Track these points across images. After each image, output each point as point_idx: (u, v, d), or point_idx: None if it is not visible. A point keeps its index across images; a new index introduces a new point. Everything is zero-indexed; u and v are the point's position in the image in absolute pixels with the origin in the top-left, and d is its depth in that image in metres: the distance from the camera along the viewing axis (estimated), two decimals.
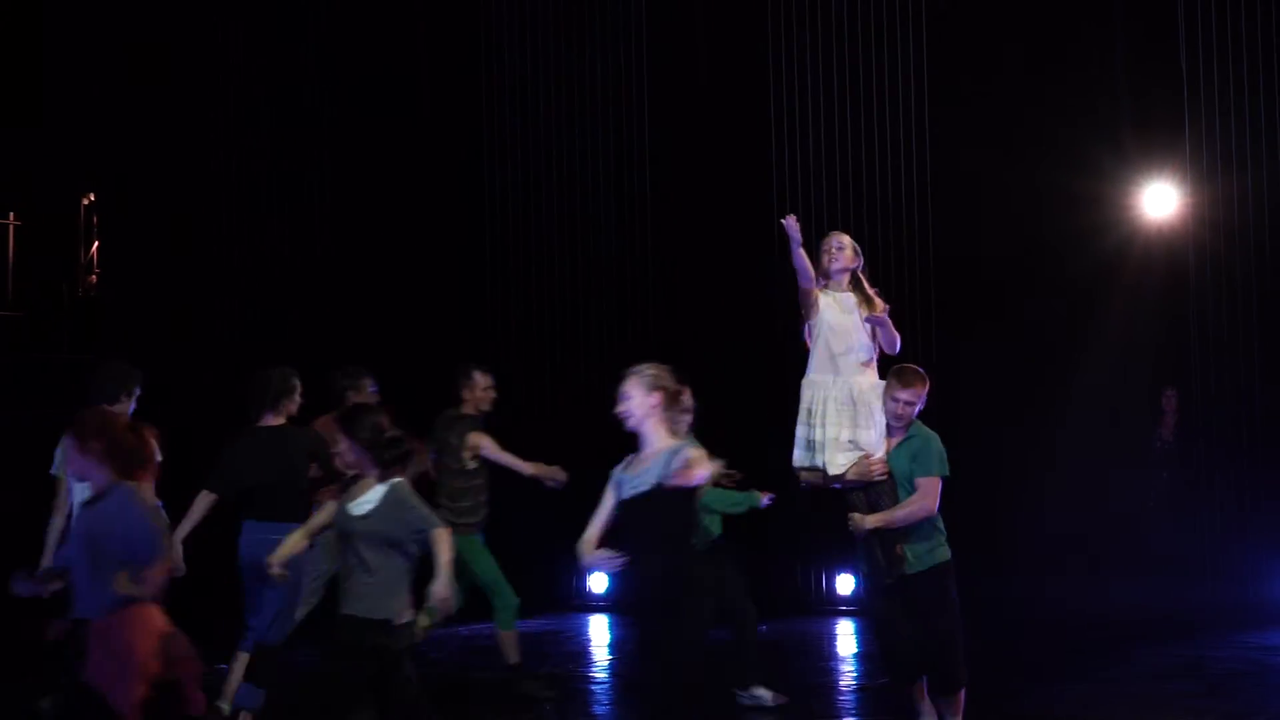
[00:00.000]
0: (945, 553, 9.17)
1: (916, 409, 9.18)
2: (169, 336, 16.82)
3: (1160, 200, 15.69)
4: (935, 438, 9.14)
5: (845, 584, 15.82)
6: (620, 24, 16.65)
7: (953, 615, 9.13)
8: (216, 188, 17.66)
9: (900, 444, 9.17)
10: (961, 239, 15.52)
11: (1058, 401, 15.51)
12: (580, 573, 15.85)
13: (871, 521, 9.02)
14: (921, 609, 9.07)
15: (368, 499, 8.05)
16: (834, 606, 15.88)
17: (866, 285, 9.43)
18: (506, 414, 12.13)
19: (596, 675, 13.23)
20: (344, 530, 8.06)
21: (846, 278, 9.45)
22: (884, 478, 9.13)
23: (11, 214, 16.76)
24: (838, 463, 9.14)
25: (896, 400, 9.12)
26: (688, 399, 9.46)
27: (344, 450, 8.24)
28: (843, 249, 9.48)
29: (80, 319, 17.56)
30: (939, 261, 15.55)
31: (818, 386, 9.26)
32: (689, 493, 7.59)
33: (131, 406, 10.13)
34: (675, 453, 7.58)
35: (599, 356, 15.73)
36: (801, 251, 9.22)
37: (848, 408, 9.18)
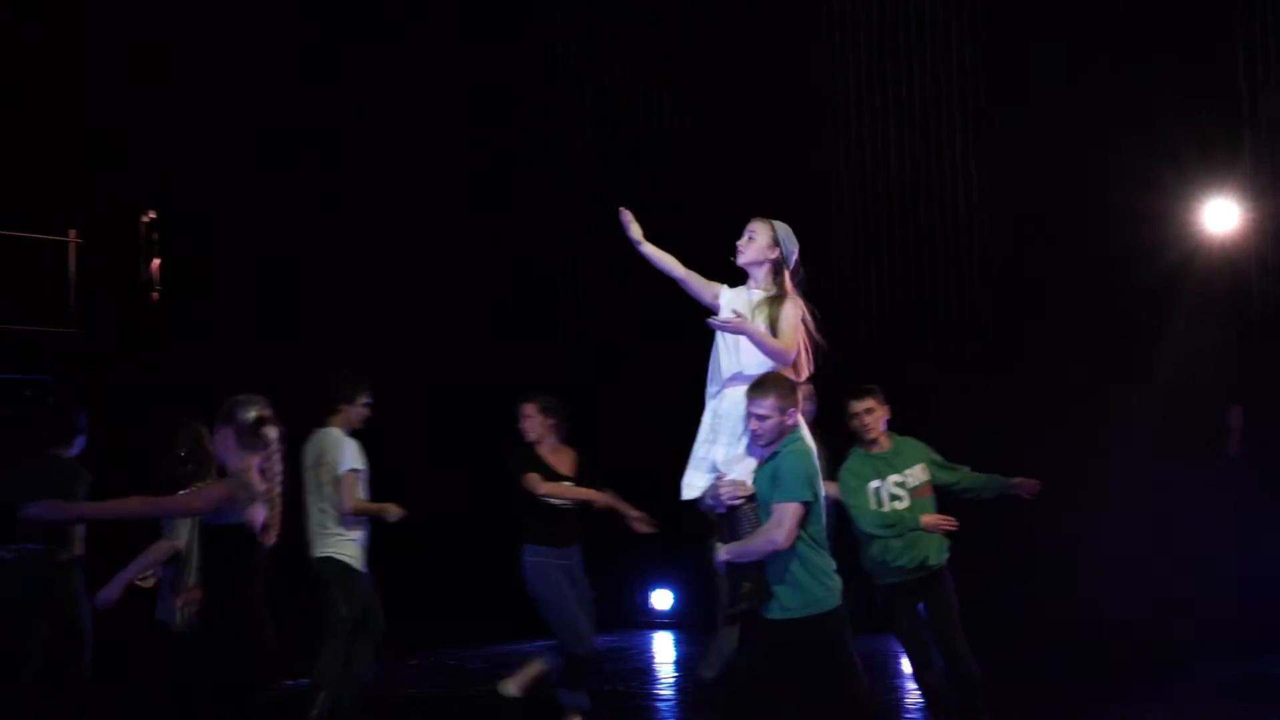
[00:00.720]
0: (828, 599, 7.63)
1: (773, 423, 7.64)
2: (228, 351, 16.91)
3: (1221, 215, 15.60)
4: (802, 455, 7.69)
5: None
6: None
7: (835, 675, 7.59)
8: (275, 204, 17.78)
9: (764, 464, 7.75)
10: (1022, 256, 15.50)
11: (1119, 417, 15.43)
12: (644, 590, 15.90)
13: (723, 553, 7.78)
14: (788, 663, 7.62)
15: None
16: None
17: (788, 284, 8.06)
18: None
19: (661, 692, 13.23)
20: None
21: (763, 272, 8.10)
22: (738, 502, 7.75)
23: (72, 231, 16.82)
24: (694, 485, 7.99)
25: (749, 414, 7.71)
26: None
27: None
28: (751, 239, 8.14)
29: (141, 335, 17.63)
30: (999, 278, 15.53)
31: (719, 400, 8.02)
32: None
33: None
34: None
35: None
36: (645, 250, 8.03)
37: (715, 420, 7.97)
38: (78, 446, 11.80)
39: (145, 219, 18.65)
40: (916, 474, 9.52)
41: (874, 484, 9.46)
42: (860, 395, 9.82)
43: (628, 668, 14.13)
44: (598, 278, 17.59)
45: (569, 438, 11.02)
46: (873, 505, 9.40)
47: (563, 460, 10.94)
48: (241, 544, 7.24)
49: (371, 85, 17.79)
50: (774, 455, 7.70)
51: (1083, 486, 15.14)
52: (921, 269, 16.16)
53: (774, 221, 8.16)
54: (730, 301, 8.03)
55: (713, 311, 7.98)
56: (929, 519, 9.40)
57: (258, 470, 7.36)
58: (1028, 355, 15.14)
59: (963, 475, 9.71)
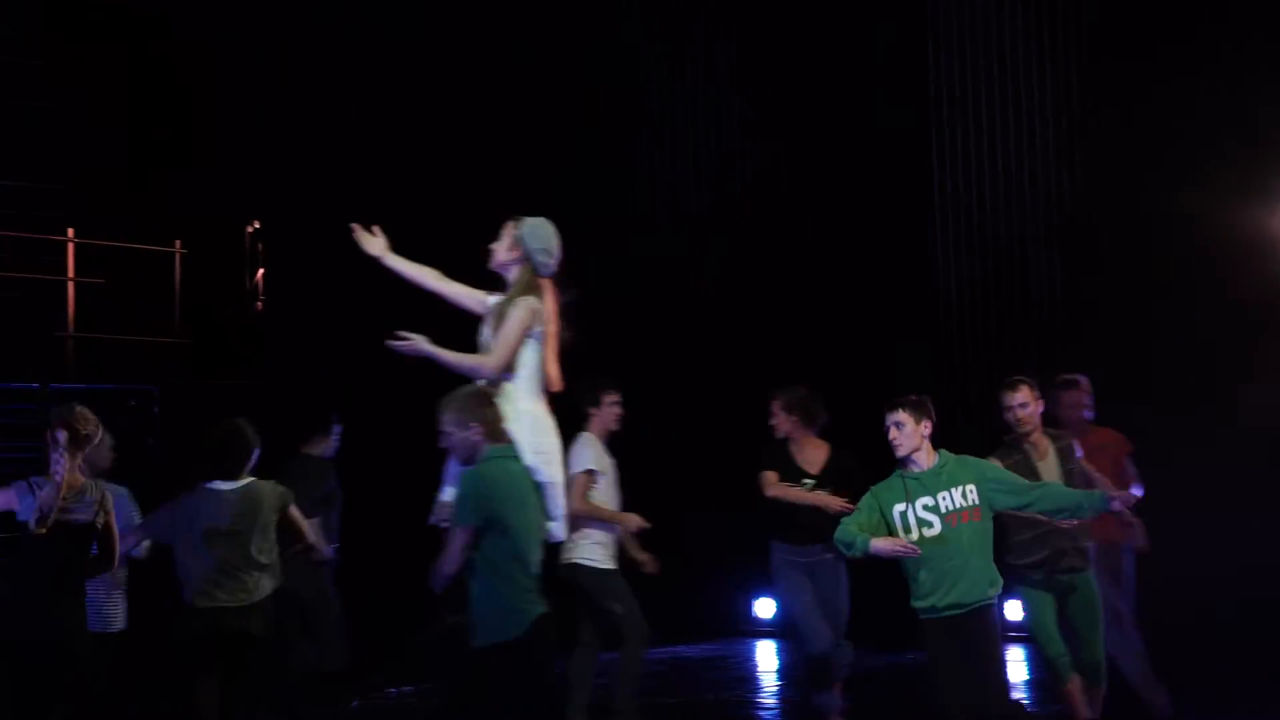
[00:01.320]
0: (507, 630, 7.32)
1: (459, 438, 7.45)
2: (333, 362, 16.96)
3: None
4: (474, 478, 7.41)
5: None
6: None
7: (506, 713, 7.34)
8: (378, 212, 17.80)
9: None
10: (1121, 261, 15.26)
11: (1223, 429, 15.08)
12: (748, 598, 15.78)
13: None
14: (476, 692, 7.42)
15: None
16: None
17: (532, 286, 7.86)
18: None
19: (765, 701, 13.11)
20: None
21: (511, 275, 7.97)
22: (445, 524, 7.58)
23: (177, 242, 16.93)
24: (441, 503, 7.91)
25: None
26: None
27: None
28: (496, 243, 8.09)
29: (246, 345, 17.72)
30: (1099, 286, 15.31)
31: None
32: None
33: None
34: None
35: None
36: (390, 262, 8.14)
37: None
38: (331, 448, 11.89)
39: (250, 229, 18.77)
40: (957, 497, 8.40)
41: (899, 507, 8.43)
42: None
43: (730, 676, 14.01)
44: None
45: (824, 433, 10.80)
46: (900, 531, 8.39)
47: (812, 457, 10.70)
48: None
49: (483, 104, 17.77)
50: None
51: (1183, 504, 14.82)
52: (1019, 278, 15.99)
53: (524, 220, 7.96)
54: (491, 309, 7.85)
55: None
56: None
57: None
58: (1122, 366, 14.88)
59: (1039, 495, 8.57)
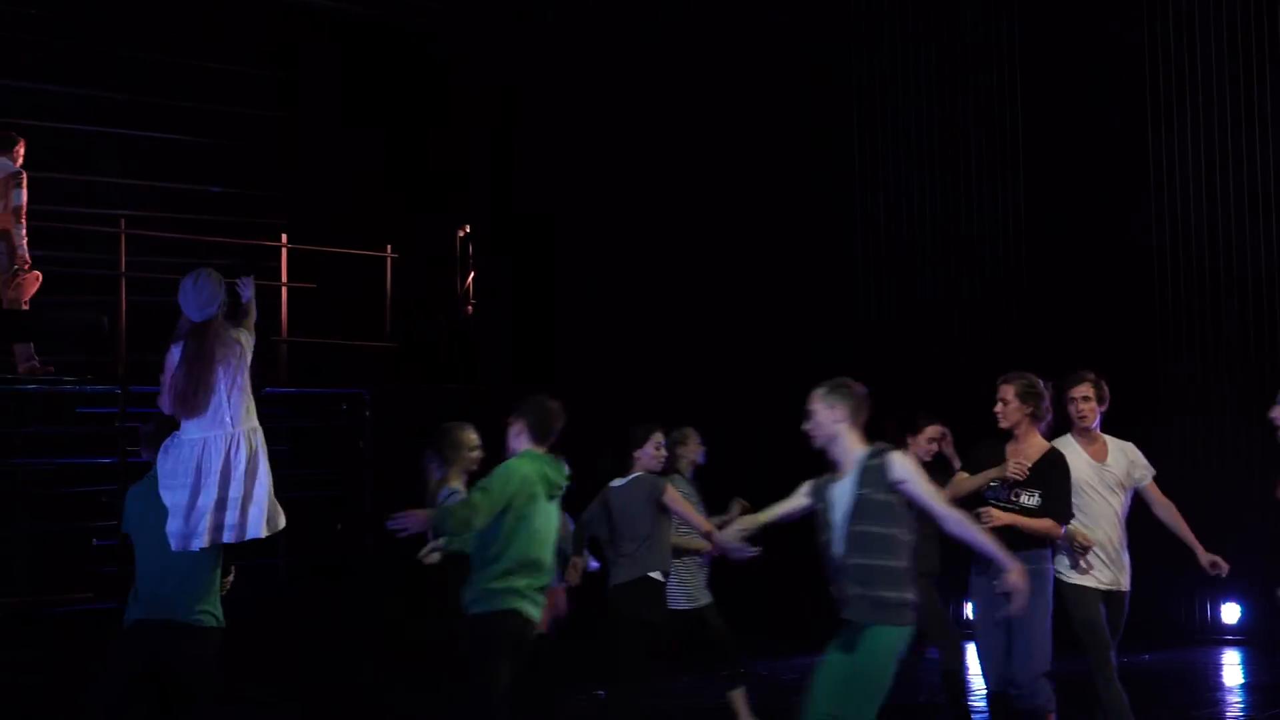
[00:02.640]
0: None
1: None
2: (540, 367, 17.01)
3: None
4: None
5: (1230, 613, 15.62)
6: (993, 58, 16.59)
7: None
8: (586, 219, 17.87)
9: None
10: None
11: None
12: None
13: None
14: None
15: None
16: (1218, 636, 15.48)
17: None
18: None
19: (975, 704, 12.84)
20: None
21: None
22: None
23: (389, 246, 17.05)
24: None
25: None
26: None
27: None
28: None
29: (456, 349, 17.80)
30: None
31: None
32: None
33: None
34: None
35: None
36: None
37: None
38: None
39: (460, 233, 18.87)
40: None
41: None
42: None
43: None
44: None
45: None
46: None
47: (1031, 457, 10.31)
48: None
49: (716, 125, 17.74)
50: None
51: None
52: None
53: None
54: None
55: None
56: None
57: None
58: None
59: None
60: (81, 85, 16.77)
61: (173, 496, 7.91)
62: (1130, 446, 9.52)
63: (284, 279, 16.57)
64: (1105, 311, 15.96)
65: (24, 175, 13.51)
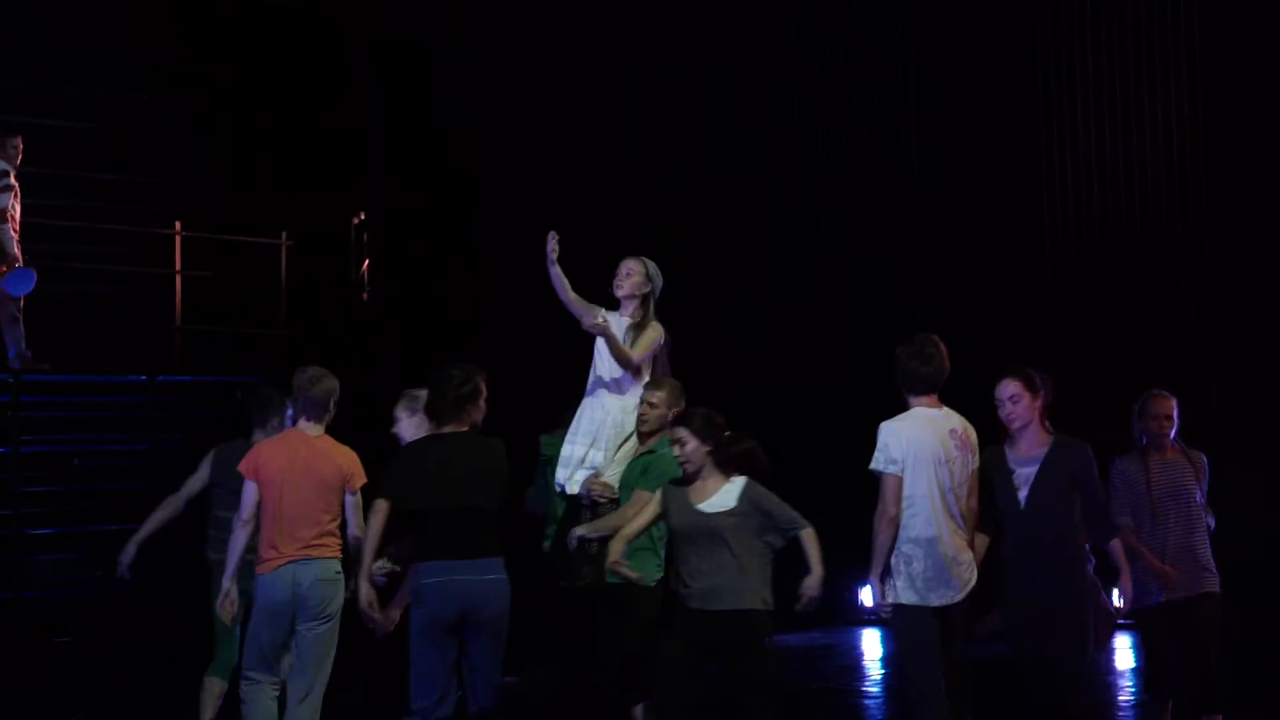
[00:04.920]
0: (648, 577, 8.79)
1: (659, 414, 8.94)
2: (439, 352, 16.97)
3: None
4: (672, 462, 8.52)
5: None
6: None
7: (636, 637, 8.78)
8: (484, 202, 17.83)
9: (639, 456, 9.09)
10: None
11: None
12: (854, 586, 15.61)
13: (581, 530, 8.91)
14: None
15: (722, 497, 8.26)
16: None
17: (652, 313, 9.44)
18: None
19: (870, 690, 13.03)
20: (695, 526, 8.25)
21: (634, 305, 9.45)
22: (603, 501, 9.09)
23: (284, 233, 17.05)
24: (575, 480, 9.23)
25: (642, 400, 9.14)
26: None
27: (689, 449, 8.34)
28: (629, 275, 9.49)
29: (352, 337, 17.81)
30: None
31: (582, 406, 9.43)
32: None
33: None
34: None
35: None
36: (554, 270, 9.28)
37: (595, 428, 9.29)
38: None
39: (356, 220, 18.85)
40: None
41: None
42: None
43: (837, 665, 13.96)
44: None
45: None
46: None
47: None
48: None
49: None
50: (650, 451, 8.94)
51: None
52: None
53: (645, 260, 9.46)
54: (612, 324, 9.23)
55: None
56: None
57: None
58: None
59: None
60: None
61: None
62: None
63: (178, 266, 16.57)
64: None
65: (11, 175, 14.12)
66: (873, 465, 8.23)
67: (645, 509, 8.46)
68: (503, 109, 17.37)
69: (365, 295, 18.62)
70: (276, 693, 8.84)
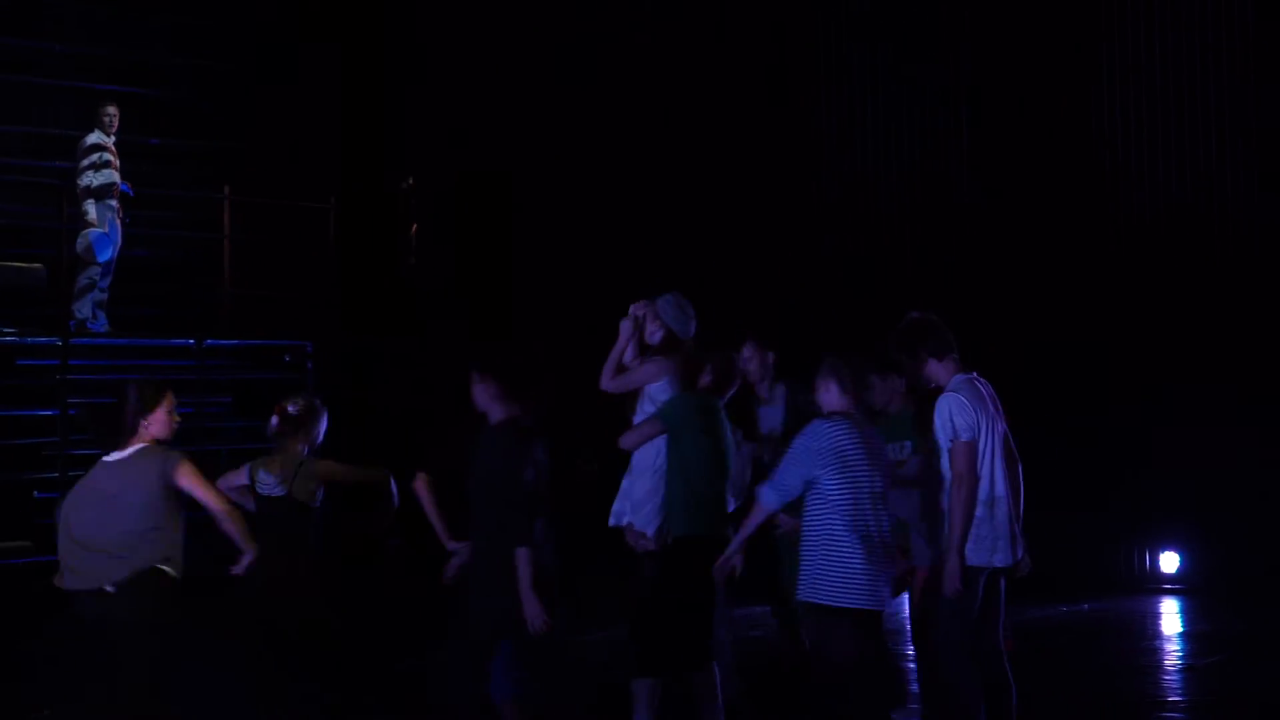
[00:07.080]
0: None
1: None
2: (483, 320, 17.01)
3: None
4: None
5: (1169, 562, 15.71)
6: None
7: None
8: (535, 173, 17.84)
9: None
10: None
11: None
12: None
13: None
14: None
15: None
16: (1157, 585, 15.57)
17: (667, 348, 9.20)
18: None
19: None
20: None
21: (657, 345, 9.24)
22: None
23: (332, 198, 17.03)
24: (620, 514, 9.11)
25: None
26: None
27: None
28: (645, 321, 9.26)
29: (398, 301, 17.79)
30: None
31: None
32: None
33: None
34: None
35: None
36: (627, 325, 9.21)
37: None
38: None
39: (405, 185, 18.81)
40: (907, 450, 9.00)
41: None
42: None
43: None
44: None
45: None
46: None
47: None
48: None
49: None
50: None
51: None
52: None
53: (654, 300, 9.20)
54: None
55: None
56: None
57: None
58: None
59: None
60: (24, 37, 16.67)
61: None
62: None
63: (226, 231, 16.60)
64: None
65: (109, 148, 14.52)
66: (946, 436, 8.14)
67: None
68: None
69: (412, 260, 18.58)
70: None
